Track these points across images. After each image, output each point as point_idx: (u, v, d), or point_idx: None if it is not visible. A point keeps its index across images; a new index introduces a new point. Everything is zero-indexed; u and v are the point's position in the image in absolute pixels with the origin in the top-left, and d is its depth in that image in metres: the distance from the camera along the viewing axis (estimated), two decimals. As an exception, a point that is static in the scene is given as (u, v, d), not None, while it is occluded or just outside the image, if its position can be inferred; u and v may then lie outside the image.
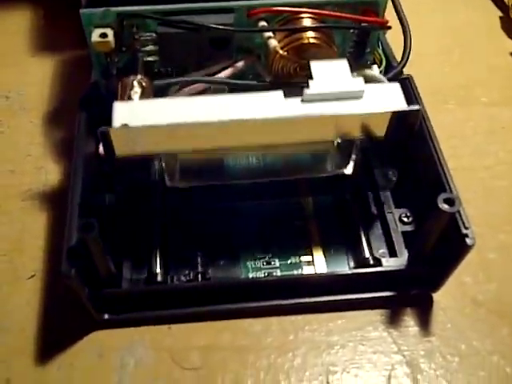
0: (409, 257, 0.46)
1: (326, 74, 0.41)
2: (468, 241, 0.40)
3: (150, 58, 0.45)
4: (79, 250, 0.38)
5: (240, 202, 0.49)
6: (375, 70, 0.48)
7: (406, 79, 0.48)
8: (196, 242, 0.47)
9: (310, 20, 0.43)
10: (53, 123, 0.57)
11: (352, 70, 0.42)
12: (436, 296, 0.46)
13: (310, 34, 0.43)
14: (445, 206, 0.38)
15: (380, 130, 0.42)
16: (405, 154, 0.45)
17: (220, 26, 0.43)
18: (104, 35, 0.42)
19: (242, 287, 0.45)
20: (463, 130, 0.58)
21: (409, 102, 0.41)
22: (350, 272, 0.45)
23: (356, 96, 0.40)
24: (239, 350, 0.44)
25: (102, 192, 0.47)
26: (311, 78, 0.41)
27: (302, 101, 0.40)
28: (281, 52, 0.43)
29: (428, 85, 0.48)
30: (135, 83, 0.43)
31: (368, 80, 0.42)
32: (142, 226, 0.46)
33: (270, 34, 0.43)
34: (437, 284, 0.45)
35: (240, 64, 0.45)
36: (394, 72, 0.46)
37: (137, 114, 0.39)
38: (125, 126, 0.38)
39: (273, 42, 0.43)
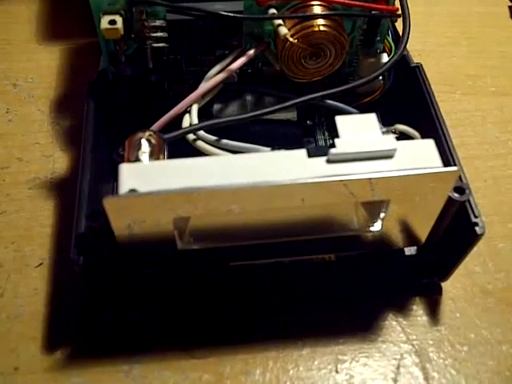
0: (418, 246, 0.45)
1: (353, 130, 0.37)
2: (478, 230, 0.39)
3: (159, 45, 0.44)
4: (88, 237, 0.38)
5: (257, 260, 0.44)
6: (385, 59, 0.48)
7: (416, 67, 0.48)
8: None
9: (320, 7, 0.43)
10: (61, 111, 0.57)
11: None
12: (445, 285, 0.46)
13: (321, 21, 0.42)
14: (455, 195, 0.38)
15: (413, 194, 0.37)
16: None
17: (230, 14, 0.42)
18: (113, 22, 0.41)
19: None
20: (472, 120, 0.58)
21: (420, 94, 0.39)
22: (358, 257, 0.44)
23: (387, 155, 0.36)
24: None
25: (111, 180, 0.46)
26: (337, 135, 0.37)
27: (328, 161, 0.36)
28: (291, 40, 0.42)
29: (436, 74, 0.49)
30: (143, 141, 0.39)
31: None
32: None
33: (279, 21, 0.43)
34: (446, 273, 0.45)
35: (251, 52, 0.45)
36: (393, 60, 0.44)
37: (147, 177, 0.35)
38: (133, 191, 0.34)
39: (283, 30, 0.42)
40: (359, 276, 0.45)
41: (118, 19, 0.41)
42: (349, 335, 0.44)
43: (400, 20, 0.46)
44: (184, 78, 0.48)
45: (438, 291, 0.46)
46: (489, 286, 0.47)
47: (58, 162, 0.53)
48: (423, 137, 0.43)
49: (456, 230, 0.41)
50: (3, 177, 0.52)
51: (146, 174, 0.35)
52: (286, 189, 0.35)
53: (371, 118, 0.38)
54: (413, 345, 0.43)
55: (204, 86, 0.45)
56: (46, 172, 0.52)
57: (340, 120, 0.37)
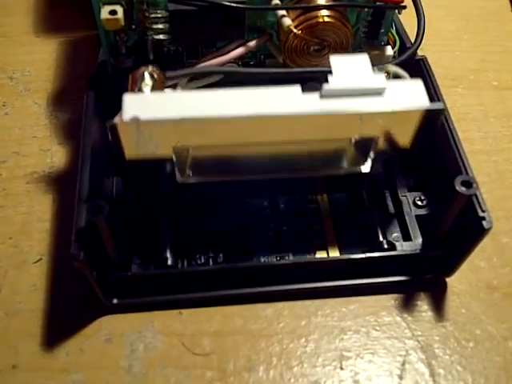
0: (423, 241, 0.45)
1: (346, 68, 0.39)
2: (485, 224, 0.39)
3: (160, 37, 0.44)
4: (88, 232, 0.37)
5: (253, 197, 0.48)
6: (389, 51, 0.48)
7: (421, 60, 0.47)
8: (207, 238, 0.46)
9: (324, -2, 0.43)
10: (58, 105, 0.56)
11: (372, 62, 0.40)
12: (450, 281, 0.46)
13: (325, 12, 0.42)
14: (462, 189, 0.38)
15: (402, 130, 0.40)
16: (427, 155, 0.45)
17: (232, 4, 0.42)
18: (113, 12, 0.41)
19: (254, 271, 0.44)
20: (474, 114, 0.57)
21: (425, 87, 0.40)
22: (363, 256, 0.44)
23: (377, 92, 0.39)
24: (251, 335, 0.43)
25: (111, 174, 0.46)
26: (331, 72, 0.39)
27: (321, 96, 0.38)
28: (295, 31, 0.42)
29: (438, 69, 0.48)
30: (146, 75, 0.41)
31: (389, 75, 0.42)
32: (152, 214, 0.46)
33: (283, 12, 0.42)
34: (451, 268, 0.44)
35: (252, 43, 0.44)
36: (409, 53, 0.45)
37: (148, 106, 0.38)
38: (135, 119, 0.37)
39: (286, 21, 0.42)
40: (364, 272, 0.44)
41: (119, 9, 0.41)
42: (353, 331, 0.43)
43: (404, 13, 0.46)
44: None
45: (443, 287, 0.46)
46: (494, 281, 0.46)
47: (56, 155, 0.52)
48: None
49: (462, 225, 0.41)
50: (0, 171, 0.51)
51: (147, 104, 0.38)
52: (279, 120, 0.38)
53: (364, 59, 0.40)
54: (418, 341, 0.43)
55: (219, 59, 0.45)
56: (43, 166, 0.51)
57: (334, 59, 0.39)
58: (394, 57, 0.48)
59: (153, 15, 0.43)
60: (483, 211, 0.39)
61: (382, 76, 0.39)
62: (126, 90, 0.45)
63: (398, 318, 0.44)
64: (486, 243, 0.42)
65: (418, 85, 0.40)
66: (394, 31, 0.48)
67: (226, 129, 0.39)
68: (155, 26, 0.43)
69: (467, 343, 0.43)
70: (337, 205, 0.48)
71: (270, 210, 0.48)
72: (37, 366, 0.41)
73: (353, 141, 0.42)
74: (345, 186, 0.48)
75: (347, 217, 0.48)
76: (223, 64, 0.45)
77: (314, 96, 0.38)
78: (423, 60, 0.47)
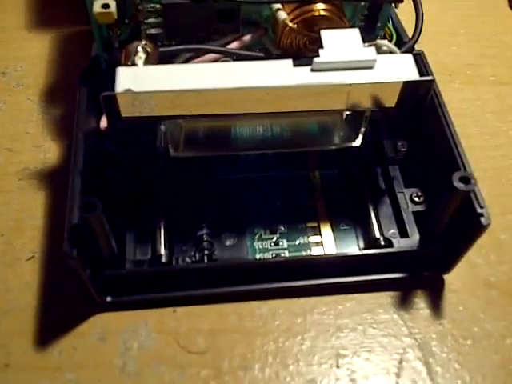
0: (420, 238, 0.45)
1: (336, 42, 0.40)
2: (483, 220, 0.39)
3: (153, 31, 0.43)
4: (81, 229, 0.37)
5: (246, 173, 0.48)
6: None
7: (418, 55, 0.47)
8: (201, 219, 0.46)
9: (320, -8, 0.42)
10: (51, 100, 0.55)
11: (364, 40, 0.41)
12: (447, 278, 0.45)
13: (321, 5, 0.41)
14: (460, 185, 0.37)
15: (391, 101, 0.41)
16: (415, 127, 0.45)
17: (227, -3, 0.41)
18: (106, 6, 0.40)
19: (249, 269, 0.43)
20: (471, 109, 0.57)
21: (421, 76, 0.39)
22: (359, 253, 0.44)
23: (368, 65, 0.39)
24: (246, 333, 0.43)
25: (104, 170, 0.45)
26: (321, 46, 0.40)
27: (312, 70, 0.39)
28: (290, 25, 0.41)
29: (434, 64, 0.47)
30: (140, 49, 0.41)
31: (380, 50, 0.42)
32: (145, 205, 0.45)
33: (278, 5, 0.42)
34: (448, 265, 0.44)
35: (247, 38, 0.44)
36: (407, 47, 0.44)
37: (141, 79, 0.38)
38: (128, 90, 0.37)
39: (282, 15, 0.41)
40: (360, 269, 0.44)
41: (112, 3, 0.40)
42: (350, 329, 0.43)
43: (400, 7, 0.45)
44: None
45: (440, 284, 0.45)
46: (492, 278, 0.46)
47: (49, 152, 0.51)
48: (427, 128, 0.45)
49: (460, 221, 0.40)
50: (-8, 168, 0.51)
51: (140, 76, 0.39)
52: (271, 92, 0.39)
53: (354, 33, 0.41)
54: (415, 339, 0.43)
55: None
56: (36, 163, 0.51)
57: (324, 33, 0.40)
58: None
59: (146, 9, 0.42)
60: (481, 207, 0.39)
61: (372, 49, 0.40)
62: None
63: (395, 316, 0.44)
64: (483, 240, 0.41)
65: (407, 58, 0.40)
66: (390, 26, 0.48)
67: (218, 100, 0.39)
68: (148, 20, 0.43)
69: (465, 341, 0.43)
70: (330, 184, 0.49)
71: (262, 185, 0.48)
72: (29, 364, 0.41)
73: (344, 115, 0.44)
74: (337, 161, 0.49)
75: (342, 203, 0.48)
76: (217, 59, 0.44)
77: (305, 69, 0.39)
78: (420, 55, 0.47)
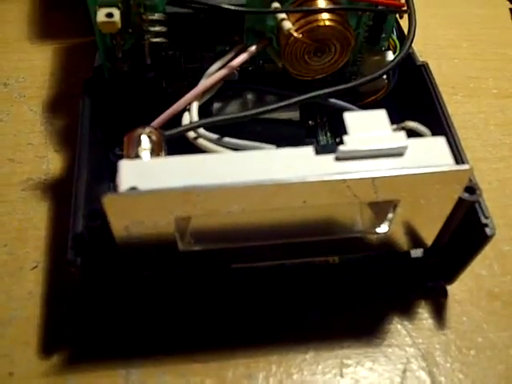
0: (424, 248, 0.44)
1: (362, 126, 0.35)
2: (488, 231, 0.38)
3: (157, 40, 0.43)
4: (85, 238, 0.37)
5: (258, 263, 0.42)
6: (390, 57, 0.47)
7: (422, 66, 0.47)
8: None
9: (324, 1, 0.42)
10: (53, 111, 0.56)
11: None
12: (451, 288, 0.45)
13: (326, 15, 0.41)
14: (465, 195, 0.37)
15: (423, 194, 0.36)
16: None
17: (231, 7, 0.41)
18: (110, 15, 0.40)
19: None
20: (475, 122, 0.57)
21: (426, 93, 0.38)
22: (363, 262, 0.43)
23: (397, 153, 0.35)
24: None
25: (108, 180, 0.45)
26: (346, 132, 0.35)
27: (337, 159, 0.34)
28: (295, 34, 0.41)
29: (437, 76, 0.47)
30: (143, 138, 0.38)
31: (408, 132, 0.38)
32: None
33: (283, 15, 0.42)
34: (452, 276, 0.44)
35: (252, 48, 0.44)
36: (401, 57, 0.44)
37: (148, 174, 0.34)
38: (133, 189, 0.33)
39: (287, 24, 0.41)
40: (364, 279, 0.44)
41: (116, 12, 0.40)
42: (353, 339, 0.43)
43: (405, 18, 0.45)
44: (183, 75, 0.47)
45: (444, 294, 0.45)
46: (495, 289, 0.46)
47: (52, 162, 0.52)
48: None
49: (464, 232, 0.40)
50: (-5, 178, 0.51)
51: (146, 172, 0.34)
52: (293, 187, 0.34)
53: (381, 115, 0.36)
54: (419, 349, 0.43)
55: (204, 83, 0.44)
56: (39, 173, 0.51)
57: (349, 116, 0.36)
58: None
59: (150, 18, 0.42)
60: (486, 218, 0.39)
61: (402, 134, 0.35)
62: (123, 96, 0.45)
63: (399, 326, 0.44)
64: (487, 251, 0.41)
65: (440, 143, 0.36)
66: (394, 36, 0.47)
67: (231, 196, 0.34)
68: (152, 29, 0.42)
69: (468, 351, 0.43)
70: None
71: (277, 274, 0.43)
72: (33, 373, 0.41)
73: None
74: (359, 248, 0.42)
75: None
76: (228, 75, 0.44)
77: (328, 158, 0.35)
78: (424, 66, 0.47)
